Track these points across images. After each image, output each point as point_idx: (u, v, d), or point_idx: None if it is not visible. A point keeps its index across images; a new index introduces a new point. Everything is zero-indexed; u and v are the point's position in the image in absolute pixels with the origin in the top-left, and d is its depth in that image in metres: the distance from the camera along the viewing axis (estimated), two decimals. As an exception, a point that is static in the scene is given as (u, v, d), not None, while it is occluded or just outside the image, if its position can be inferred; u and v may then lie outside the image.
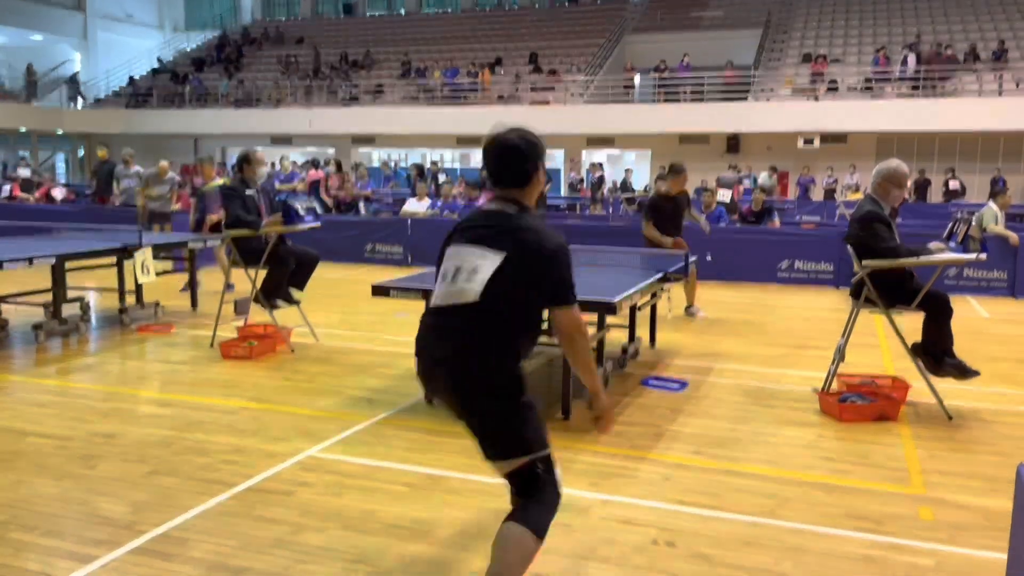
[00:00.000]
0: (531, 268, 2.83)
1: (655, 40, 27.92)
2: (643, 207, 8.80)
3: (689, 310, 8.86)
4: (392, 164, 25.16)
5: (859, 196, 19.28)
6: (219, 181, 10.26)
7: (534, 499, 2.84)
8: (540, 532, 2.77)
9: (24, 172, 22.02)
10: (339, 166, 15.99)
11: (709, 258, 10.57)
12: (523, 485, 2.86)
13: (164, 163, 11.53)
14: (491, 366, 2.83)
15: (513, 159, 2.97)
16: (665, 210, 8.57)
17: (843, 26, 26.67)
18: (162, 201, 11.18)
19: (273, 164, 19.06)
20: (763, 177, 20.46)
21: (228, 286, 8.95)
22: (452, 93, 26.22)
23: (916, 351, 5.48)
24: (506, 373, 2.85)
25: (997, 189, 12.85)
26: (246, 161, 7.16)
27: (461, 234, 2.99)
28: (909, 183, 5.24)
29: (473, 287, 2.82)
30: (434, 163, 25.25)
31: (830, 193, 21.41)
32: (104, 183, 14.40)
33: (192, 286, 9.01)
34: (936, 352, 5.41)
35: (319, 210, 7.13)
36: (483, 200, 13.49)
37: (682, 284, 8.30)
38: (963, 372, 5.35)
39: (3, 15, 29.28)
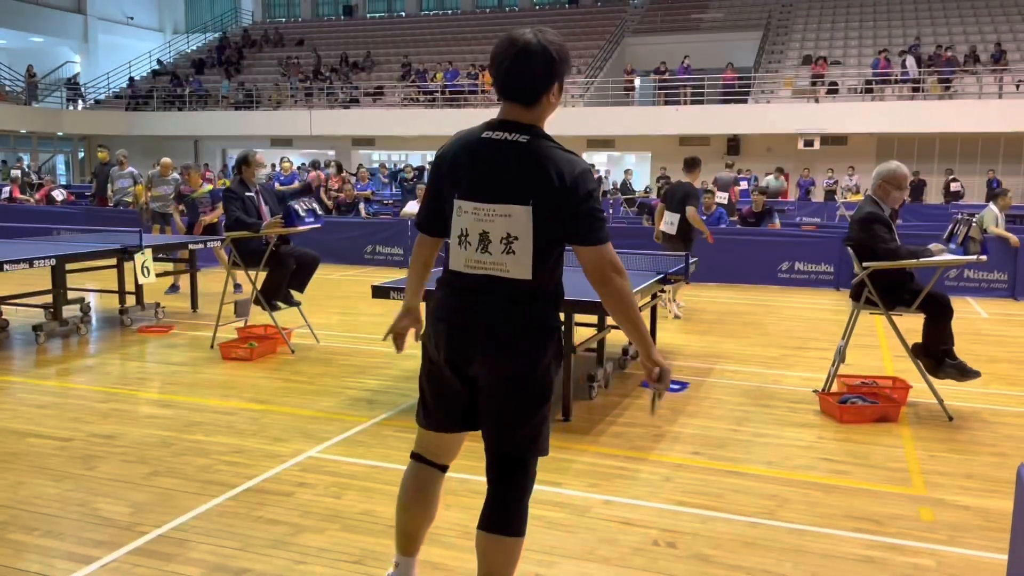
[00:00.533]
0: (559, 207, 2.45)
1: (655, 42, 27.96)
2: (688, 196, 8.61)
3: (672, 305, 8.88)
4: (391, 165, 25.15)
5: (859, 197, 19.29)
6: (207, 187, 10.29)
7: (513, 494, 2.61)
8: (524, 531, 2.64)
9: (15, 172, 22.03)
10: (339, 167, 15.98)
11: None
12: (509, 469, 2.62)
13: (166, 160, 11.40)
14: (536, 356, 2.54)
15: (524, 66, 2.46)
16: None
17: (843, 28, 26.69)
18: (164, 201, 11.12)
19: (273, 166, 19.07)
20: (769, 180, 20.39)
21: (236, 286, 8.97)
22: (452, 95, 26.24)
23: (916, 352, 5.49)
24: (547, 365, 2.57)
25: (996, 191, 12.83)
26: (244, 163, 7.18)
27: (468, 179, 2.53)
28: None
29: (518, 261, 2.49)
30: (430, 163, 25.22)
31: (830, 194, 21.44)
32: (103, 185, 14.44)
33: (192, 287, 9.01)
34: (936, 353, 5.41)
35: (319, 211, 7.13)
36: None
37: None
38: (963, 373, 5.35)
39: (4, 17, 29.33)
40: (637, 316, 2.56)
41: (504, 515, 2.61)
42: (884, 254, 5.27)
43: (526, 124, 2.51)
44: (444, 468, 2.83)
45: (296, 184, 16.22)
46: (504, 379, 2.57)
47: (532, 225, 2.47)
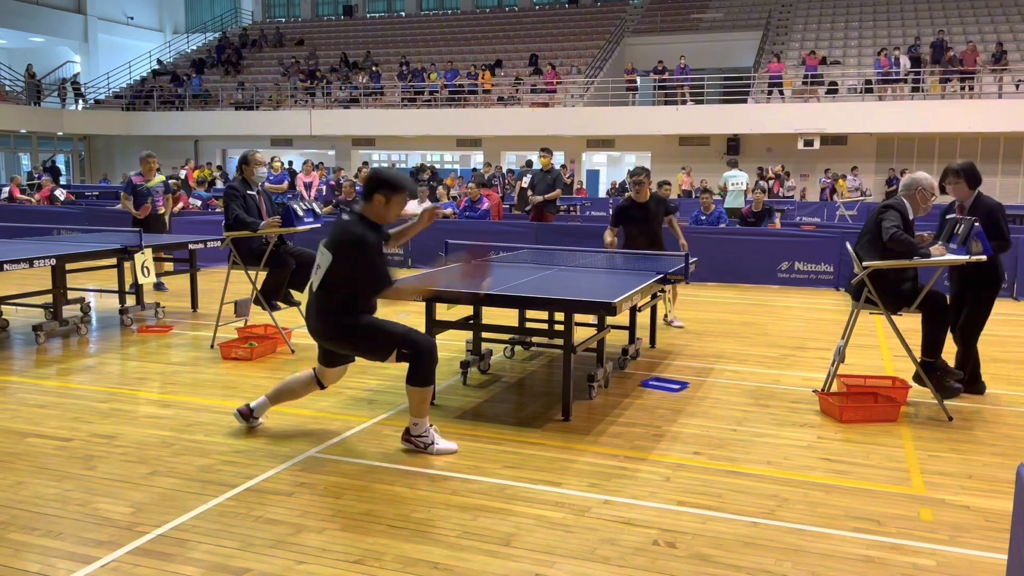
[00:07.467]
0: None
1: (655, 42, 27.97)
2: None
3: (666, 319, 8.30)
4: (391, 166, 25.10)
5: (851, 197, 19.31)
6: (160, 177, 10.32)
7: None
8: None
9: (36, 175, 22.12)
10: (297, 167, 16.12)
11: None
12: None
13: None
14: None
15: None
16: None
17: (843, 28, 26.70)
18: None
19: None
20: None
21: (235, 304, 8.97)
22: (452, 95, 26.24)
23: (924, 369, 5.49)
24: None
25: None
26: (245, 162, 7.18)
27: None
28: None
29: None
30: (421, 165, 25.11)
31: (829, 194, 21.44)
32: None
33: (192, 286, 9.01)
34: (925, 364, 5.48)
35: (318, 211, 7.12)
36: (485, 203, 13.47)
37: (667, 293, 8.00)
38: (944, 391, 5.47)
39: (4, 17, 29.33)
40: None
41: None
42: (888, 239, 5.26)
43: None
44: (323, 386, 4.87)
45: (285, 184, 16.34)
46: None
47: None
